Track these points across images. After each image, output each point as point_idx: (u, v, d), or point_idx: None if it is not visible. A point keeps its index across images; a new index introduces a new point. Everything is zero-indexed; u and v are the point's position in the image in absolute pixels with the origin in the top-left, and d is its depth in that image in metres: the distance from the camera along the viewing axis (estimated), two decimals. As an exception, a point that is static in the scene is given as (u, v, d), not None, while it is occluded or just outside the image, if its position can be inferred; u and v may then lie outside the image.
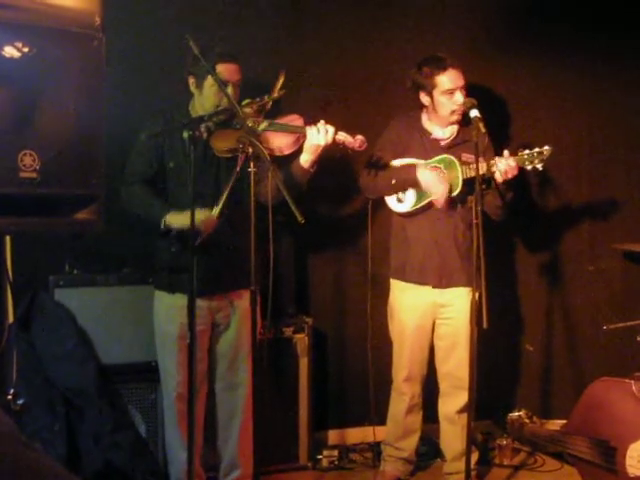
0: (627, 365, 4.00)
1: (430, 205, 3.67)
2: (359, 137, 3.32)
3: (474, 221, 3.24)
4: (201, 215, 3.15)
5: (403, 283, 3.79)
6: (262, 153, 2.86)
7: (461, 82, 3.62)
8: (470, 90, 3.65)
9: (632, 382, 3.53)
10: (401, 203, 3.72)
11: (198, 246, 3.08)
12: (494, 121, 3.77)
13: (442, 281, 3.71)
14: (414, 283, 3.75)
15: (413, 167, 3.64)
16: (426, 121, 3.76)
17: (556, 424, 4.28)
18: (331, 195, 4.30)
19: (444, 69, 3.61)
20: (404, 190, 3.70)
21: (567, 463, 3.98)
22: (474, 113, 3.36)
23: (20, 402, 2.60)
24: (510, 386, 4.60)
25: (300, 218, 2.69)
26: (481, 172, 3.41)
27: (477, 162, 3.30)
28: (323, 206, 4.33)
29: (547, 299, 4.59)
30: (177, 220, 3.24)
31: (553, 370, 4.61)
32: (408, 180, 3.64)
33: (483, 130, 3.31)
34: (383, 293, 3.91)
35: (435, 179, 3.60)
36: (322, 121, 3.28)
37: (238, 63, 3.34)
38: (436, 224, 3.70)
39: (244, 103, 3.23)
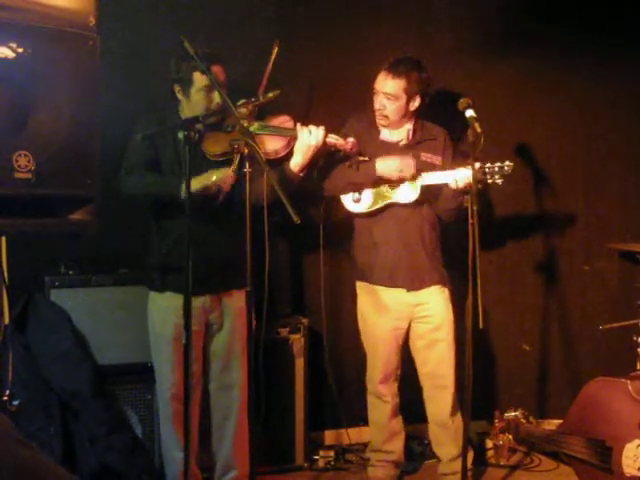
0: (623, 365, 4.00)
1: (387, 207, 3.63)
2: (350, 139, 3.32)
3: (470, 221, 3.20)
4: (219, 173, 3.17)
5: (370, 285, 3.74)
6: (258, 154, 2.85)
7: (382, 88, 3.56)
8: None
9: (628, 382, 3.54)
10: (358, 203, 3.66)
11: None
12: (487, 124, 3.76)
13: (415, 283, 3.67)
14: (383, 285, 3.70)
15: (372, 165, 3.53)
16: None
17: (552, 424, 4.29)
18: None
19: (380, 71, 3.60)
20: (362, 190, 3.63)
21: (563, 463, 3.98)
22: (469, 113, 3.33)
23: (16, 403, 2.59)
24: (506, 386, 4.60)
25: (296, 218, 2.68)
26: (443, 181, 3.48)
27: (473, 162, 3.29)
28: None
29: (543, 299, 4.59)
30: (197, 182, 3.16)
31: (549, 370, 4.62)
32: (370, 179, 3.57)
33: (479, 130, 3.30)
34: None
35: (396, 163, 3.53)
36: (311, 126, 3.29)
37: (222, 64, 3.33)
38: (403, 226, 3.65)
39: (239, 103, 3.23)
